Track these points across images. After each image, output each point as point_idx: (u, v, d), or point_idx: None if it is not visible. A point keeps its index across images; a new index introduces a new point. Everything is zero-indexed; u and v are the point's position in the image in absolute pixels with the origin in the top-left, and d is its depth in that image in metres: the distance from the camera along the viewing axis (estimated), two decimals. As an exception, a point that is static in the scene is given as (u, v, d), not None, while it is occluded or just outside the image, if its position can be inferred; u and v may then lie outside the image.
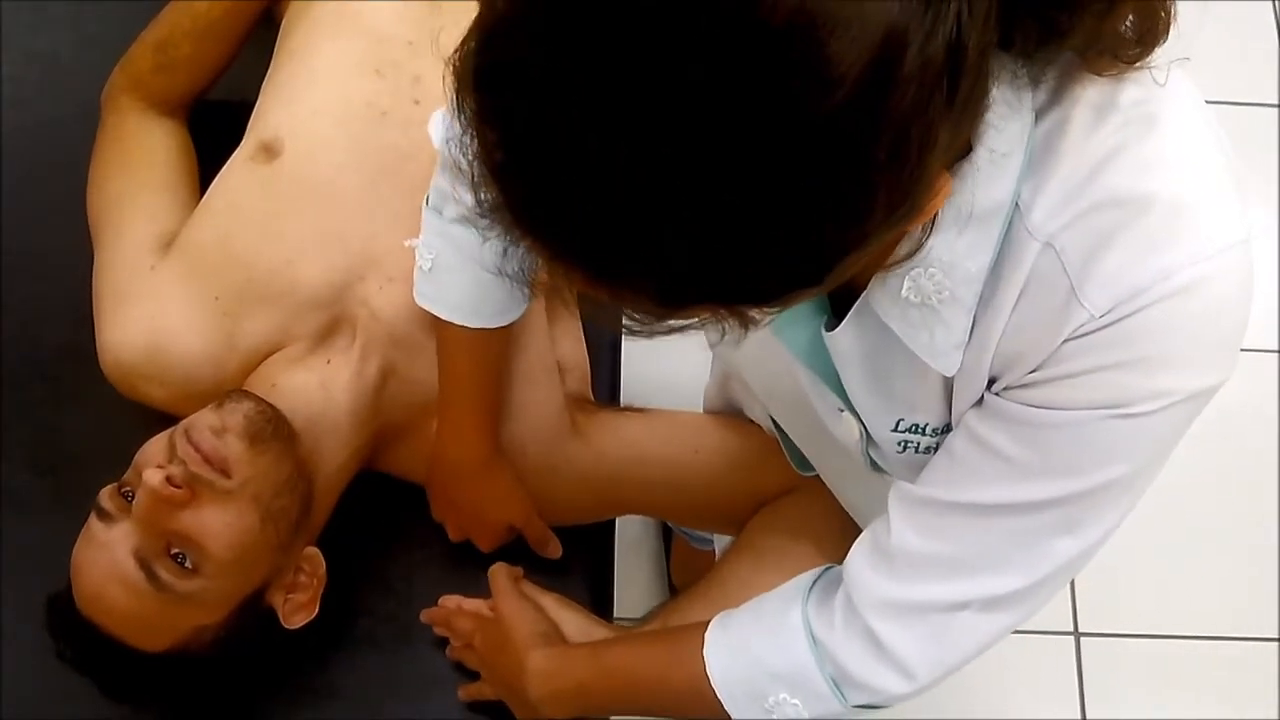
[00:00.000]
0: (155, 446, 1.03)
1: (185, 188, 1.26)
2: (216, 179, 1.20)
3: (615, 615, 1.25)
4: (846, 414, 0.86)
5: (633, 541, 1.82)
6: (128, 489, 1.02)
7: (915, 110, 0.53)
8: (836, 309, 0.78)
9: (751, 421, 1.22)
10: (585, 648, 1.10)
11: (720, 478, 1.21)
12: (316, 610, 1.10)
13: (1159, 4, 0.63)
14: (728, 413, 1.25)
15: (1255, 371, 1.99)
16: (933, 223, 0.66)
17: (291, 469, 1.05)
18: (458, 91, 0.56)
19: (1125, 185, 0.65)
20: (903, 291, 0.70)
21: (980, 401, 0.75)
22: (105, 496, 1.02)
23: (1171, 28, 0.64)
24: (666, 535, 1.81)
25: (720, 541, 1.41)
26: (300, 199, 1.15)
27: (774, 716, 0.89)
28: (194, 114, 1.31)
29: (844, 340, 0.77)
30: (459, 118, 0.56)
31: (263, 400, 1.06)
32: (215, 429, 1.02)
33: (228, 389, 1.08)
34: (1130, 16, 0.63)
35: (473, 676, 1.17)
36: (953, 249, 0.68)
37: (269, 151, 1.16)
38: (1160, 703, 1.80)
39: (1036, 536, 0.77)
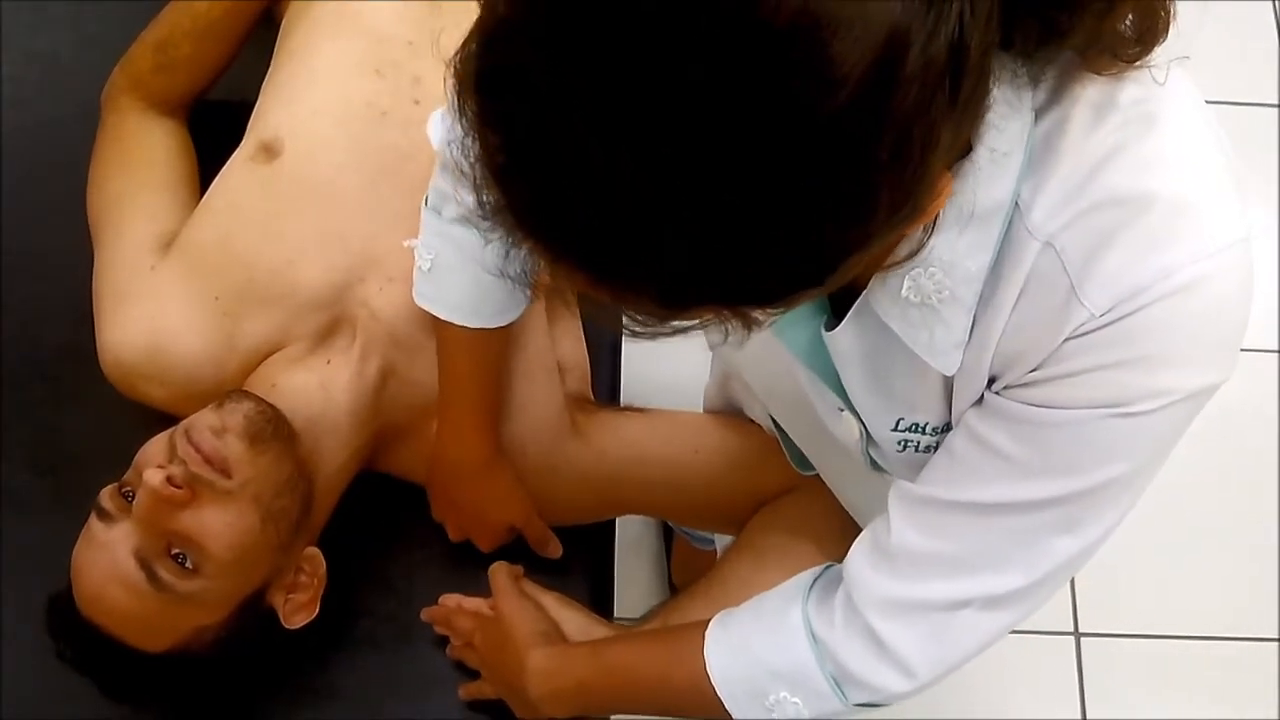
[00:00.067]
0: (156, 447, 1.03)
1: (185, 188, 1.26)
2: (217, 179, 1.20)
3: (615, 615, 1.25)
4: (846, 413, 0.86)
5: (633, 541, 1.82)
6: (128, 489, 1.02)
7: (918, 110, 0.53)
8: (836, 309, 0.78)
9: (752, 421, 1.22)
10: (585, 646, 1.10)
11: (720, 477, 1.21)
12: (317, 610, 1.10)
13: (1159, 3, 0.63)
14: (728, 412, 1.25)
15: (1255, 371, 1.99)
16: (934, 223, 0.66)
17: (292, 469, 1.05)
18: (459, 94, 0.56)
19: (1125, 184, 0.65)
20: (903, 291, 0.70)
21: (980, 401, 0.75)
22: (106, 497, 1.02)
23: (1171, 27, 0.64)
24: (668, 535, 1.81)
25: (722, 541, 1.41)
26: (300, 199, 1.15)
27: (774, 715, 0.89)
28: (194, 114, 1.31)
29: (844, 340, 0.78)
30: (461, 120, 0.56)
31: (263, 400, 1.06)
32: (215, 429, 1.02)
33: (228, 389, 1.08)
34: (1130, 16, 0.63)
35: (473, 675, 1.17)
36: (954, 249, 0.68)
37: (269, 151, 1.16)
38: (1160, 702, 1.80)
39: (1037, 535, 0.77)
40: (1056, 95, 0.67)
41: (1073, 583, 1.84)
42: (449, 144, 0.75)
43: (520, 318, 1.09)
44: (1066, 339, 0.67)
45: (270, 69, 1.25)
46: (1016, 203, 0.67)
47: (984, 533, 0.78)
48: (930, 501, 0.80)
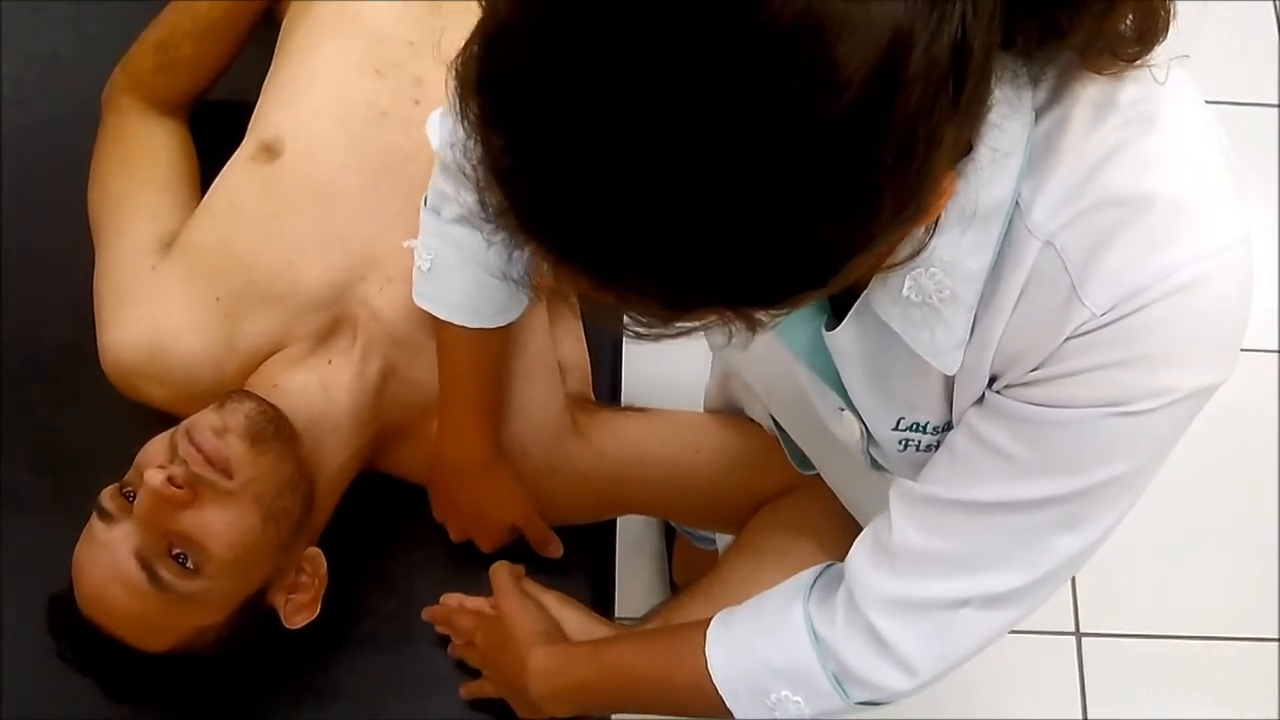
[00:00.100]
0: (157, 447, 1.03)
1: (186, 188, 1.26)
2: (217, 179, 1.20)
3: (616, 614, 1.25)
4: (847, 413, 0.86)
5: (634, 541, 1.82)
6: (129, 489, 1.02)
7: (921, 112, 0.52)
8: (837, 308, 0.78)
9: (752, 421, 1.22)
10: (587, 646, 1.10)
11: (721, 477, 1.21)
12: (318, 610, 1.10)
13: (1159, 3, 0.63)
14: (728, 412, 1.25)
15: (1255, 371, 1.99)
16: (936, 223, 0.66)
17: (293, 469, 1.05)
18: (461, 96, 0.56)
19: (1126, 184, 0.65)
20: (903, 290, 0.70)
21: (981, 400, 0.75)
22: (107, 497, 1.02)
23: (1171, 26, 0.64)
24: (669, 534, 1.81)
25: (723, 541, 1.41)
26: (301, 199, 1.15)
27: (776, 714, 0.89)
28: (195, 114, 1.31)
29: (844, 339, 0.78)
30: (463, 123, 0.56)
31: (264, 400, 1.06)
32: (217, 429, 1.02)
33: (229, 389, 1.08)
34: (1130, 15, 0.63)
35: (474, 675, 1.17)
36: (955, 248, 0.68)
37: (270, 152, 1.16)
38: (1161, 702, 1.80)
39: (1037, 534, 0.77)
40: (1057, 95, 0.67)
41: (1074, 583, 1.84)
42: (451, 146, 0.75)
43: (521, 318, 1.09)
44: (1067, 338, 0.67)
45: (271, 69, 1.25)
46: (1017, 202, 0.67)
47: (985, 531, 0.78)
48: (931, 500, 0.80)
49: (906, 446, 0.83)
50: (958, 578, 0.80)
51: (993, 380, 0.74)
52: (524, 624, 1.09)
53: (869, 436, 0.86)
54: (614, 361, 1.33)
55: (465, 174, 0.58)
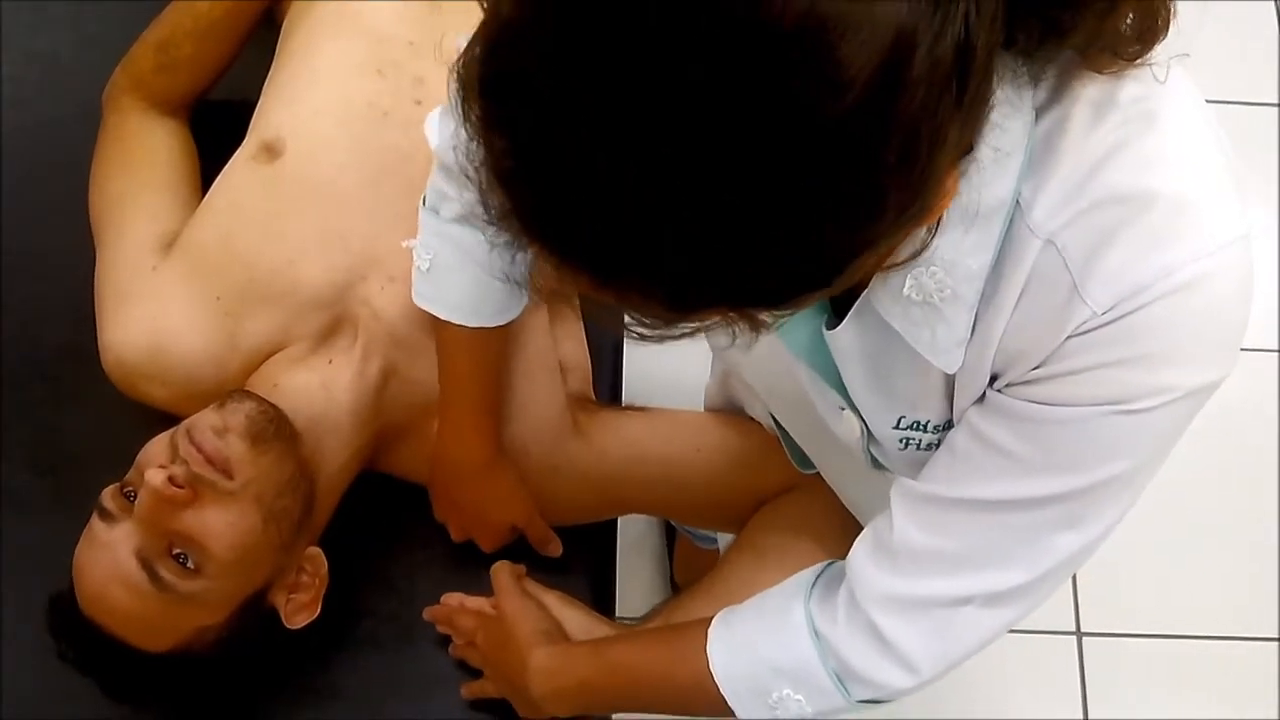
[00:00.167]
0: (157, 447, 1.03)
1: (187, 187, 1.26)
2: (218, 179, 1.20)
3: (617, 614, 1.25)
4: (847, 412, 0.86)
5: (635, 540, 1.82)
6: (130, 489, 1.02)
7: (924, 112, 0.52)
8: (837, 307, 0.78)
9: (752, 420, 1.22)
10: (588, 645, 1.10)
11: (721, 476, 1.21)
12: (319, 610, 1.10)
13: (1159, 2, 0.63)
14: (729, 411, 1.25)
15: (1255, 371, 1.99)
16: (938, 223, 0.66)
17: (294, 469, 1.05)
18: (464, 98, 0.56)
19: (1126, 182, 0.65)
20: (904, 289, 0.70)
21: (982, 398, 0.75)
22: (107, 496, 1.02)
23: (1171, 25, 0.64)
24: (670, 534, 1.81)
25: (724, 540, 1.41)
26: (302, 199, 1.15)
27: (778, 712, 0.89)
28: (195, 114, 1.32)
29: (845, 338, 0.78)
30: (465, 124, 0.56)
31: (265, 400, 1.06)
32: (217, 429, 1.02)
33: (229, 389, 1.08)
34: (1131, 15, 0.63)
35: (475, 675, 1.17)
36: (956, 248, 0.68)
37: (271, 151, 1.16)
38: (1162, 702, 1.80)
39: (1038, 532, 0.77)
40: (1057, 94, 0.67)
41: (1074, 582, 1.84)
42: (453, 148, 0.75)
43: (521, 318, 1.09)
44: (1069, 337, 0.68)
45: (272, 69, 1.25)
46: (1018, 201, 0.67)
47: (986, 530, 0.78)
48: (932, 499, 0.80)
49: (907, 445, 0.83)
50: (959, 576, 0.80)
51: (994, 379, 0.74)
52: (525, 624, 1.09)
53: (869, 435, 0.86)
54: (615, 361, 1.33)
55: (468, 176, 0.58)
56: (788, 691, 0.88)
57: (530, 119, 0.53)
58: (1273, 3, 2.29)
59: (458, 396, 1.12)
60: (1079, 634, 1.84)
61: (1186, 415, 0.71)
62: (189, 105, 1.31)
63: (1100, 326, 0.66)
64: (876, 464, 0.90)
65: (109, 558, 0.99)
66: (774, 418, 1.15)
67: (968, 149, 0.62)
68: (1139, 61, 0.65)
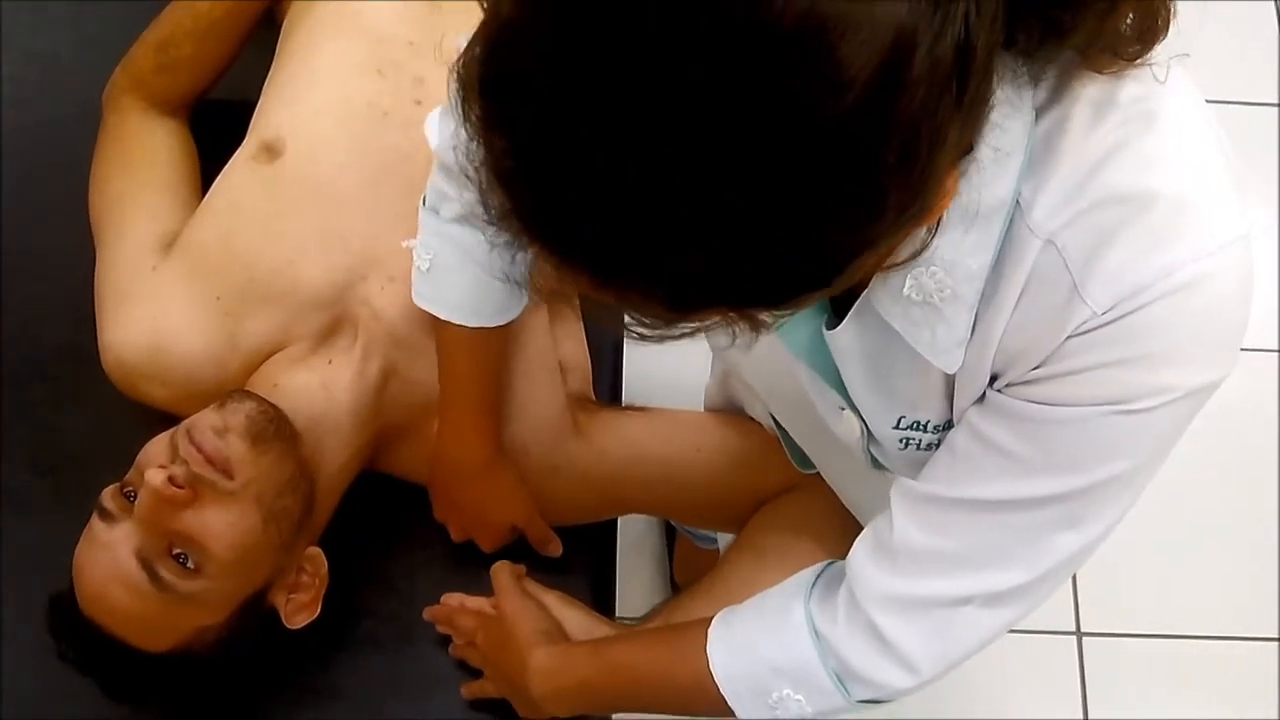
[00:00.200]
0: (157, 447, 1.03)
1: (187, 187, 1.26)
2: (218, 179, 1.20)
3: (617, 614, 1.25)
4: (847, 412, 0.86)
5: (635, 540, 1.82)
6: (130, 489, 1.02)
7: (925, 112, 0.52)
8: (837, 307, 0.78)
9: (752, 420, 1.22)
10: (588, 645, 1.10)
11: (721, 476, 1.21)
12: (319, 610, 1.10)
13: (1159, 2, 0.63)
14: (729, 411, 1.25)
15: (1255, 371, 1.99)
16: (938, 223, 0.66)
17: (294, 469, 1.05)
18: (464, 98, 0.56)
19: (1126, 182, 0.65)
20: (904, 289, 0.70)
21: (982, 398, 0.75)
22: (107, 496, 1.02)
23: (1171, 25, 0.64)
24: (670, 534, 1.81)
25: (724, 540, 1.41)
26: (302, 199, 1.15)
27: (778, 712, 0.89)
28: (196, 114, 1.32)
29: (845, 338, 0.78)
30: (465, 125, 0.56)
31: (265, 400, 1.06)
32: (217, 429, 1.02)
33: (230, 389, 1.08)
34: (1131, 15, 0.63)
35: (475, 675, 1.17)
36: (957, 248, 0.68)
37: (271, 151, 1.16)
38: (1162, 702, 1.80)
39: (1038, 532, 0.77)
40: (1057, 94, 0.67)
41: (1074, 582, 1.84)
42: (453, 148, 0.75)
43: (521, 318, 1.09)
44: (1069, 337, 0.68)
45: (272, 69, 1.25)
46: (1018, 201, 0.67)
47: (986, 530, 0.78)
48: (932, 499, 0.80)
49: (907, 445, 0.83)
50: (959, 576, 0.80)
51: (994, 379, 0.74)
52: (525, 624, 1.09)
53: (869, 435, 0.86)
54: (615, 361, 1.33)
55: (468, 176, 0.58)
56: (788, 691, 0.88)
57: (530, 119, 0.53)
58: (1273, 3, 2.29)
59: (458, 396, 1.12)
60: (1079, 634, 1.84)
61: (1186, 415, 0.71)
62: (189, 105, 1.31)
63: (1100, 326, 0.66)
64: (876, 464, 0.90)
65: (109, 558, 0.99)
66: (774, 418, 1.15)
67: (968, 149, 0.62)
68: (1139, 61, 0.65)
